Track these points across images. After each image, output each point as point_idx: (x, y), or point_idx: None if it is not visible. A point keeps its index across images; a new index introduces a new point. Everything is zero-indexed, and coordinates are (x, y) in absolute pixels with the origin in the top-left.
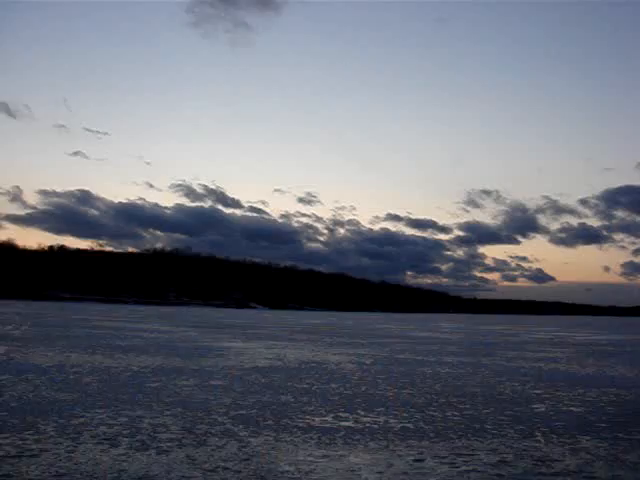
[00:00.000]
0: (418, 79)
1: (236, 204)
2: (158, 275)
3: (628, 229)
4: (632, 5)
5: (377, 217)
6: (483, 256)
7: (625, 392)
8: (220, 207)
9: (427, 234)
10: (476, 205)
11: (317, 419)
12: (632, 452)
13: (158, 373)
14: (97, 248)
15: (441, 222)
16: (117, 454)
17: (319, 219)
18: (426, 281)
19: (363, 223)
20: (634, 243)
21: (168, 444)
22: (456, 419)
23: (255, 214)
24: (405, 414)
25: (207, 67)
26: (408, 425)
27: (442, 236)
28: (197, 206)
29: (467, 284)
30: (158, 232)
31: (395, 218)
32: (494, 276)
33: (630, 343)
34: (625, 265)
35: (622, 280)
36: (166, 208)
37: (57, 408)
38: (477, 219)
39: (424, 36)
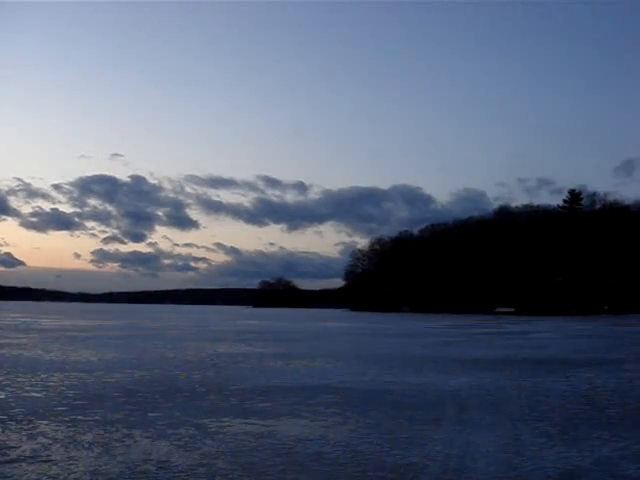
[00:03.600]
0: None
1: None
2: None
3: (99, 217)
4: None
5: None
6: None
7: (87, 375)
8: None
9: None
10: None
11: None
12: (89, 432)
13: None
14: None
15: None
16: None
17: None
18: None
19: None
20: (105, 231)
21: None
22: None
23: None
24: None
25: None
26: None
27: None
28: None
29: None
30: None
31: None
32: None
33: (96, 328)
34: (95, 252)
35: (92, 267)
36: None
37: None
38: None
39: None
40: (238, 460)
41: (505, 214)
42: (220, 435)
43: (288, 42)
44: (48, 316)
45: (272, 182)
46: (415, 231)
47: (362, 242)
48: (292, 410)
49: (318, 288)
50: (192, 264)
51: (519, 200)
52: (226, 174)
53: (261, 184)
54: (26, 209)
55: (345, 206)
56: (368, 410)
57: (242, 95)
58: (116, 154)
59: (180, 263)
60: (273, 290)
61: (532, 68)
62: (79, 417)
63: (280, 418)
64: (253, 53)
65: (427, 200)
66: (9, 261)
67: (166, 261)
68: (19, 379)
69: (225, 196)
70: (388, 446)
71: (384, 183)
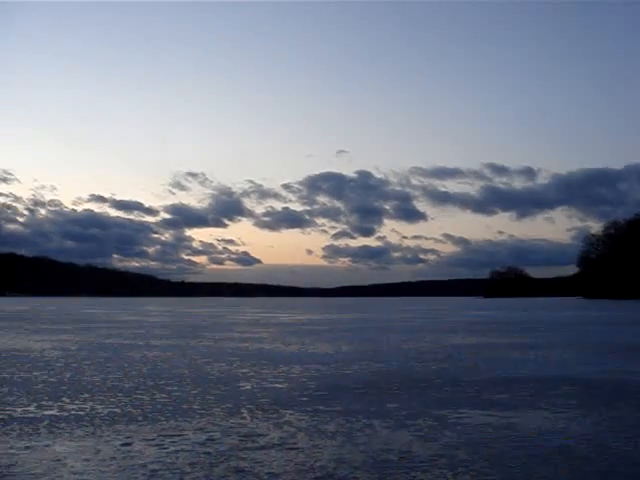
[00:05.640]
0: (123, 59)
1: None
2: None
3: (328, 214)
4: None
5: (80, 198)
6: (190, 239)
7: (325, 367)
8: None
9: (133, 216)
10: (182, 187)
11: (19, 409)
12: (331, 422)
13: None
14: None
15: (147, 204)
16: None
17: (17, 199)
18: (134, 264)
19: (66, 204)
20: (334, 227)
21: None
22: (164, 401)
23: None
24: (112, 399)
25: None
26: (115, 410)
27: (149, 218)
28: None
29: (175, 267)
30: None
31: (99, 199)
32: (202, 259)
33: (330, 322)
34: (326, 248)
35: (324, 262)
36: None
37: None
38: (183, 201)
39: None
40: (479, 451)
41: None
42: (459, 426)
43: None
44: (284, 311)
45: (498, 169)
46: None
47: (596, 226)
48: (531, 402)
49: (551, 276)
50: (421, 256)
51: None
52: (451, 164)
53: (487, 172)
54: (259, 209)
55: (576, 190)
56: (612, 402)
57: (460, 83)
58: (341, 151)
59: (409, 255)
60: (504, 279)
61: None
62: (320, 407)
63: (519, 410)
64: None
65: None
66: (246, 259)
67: (395, 254)
68: (263, 371)
69: (451, 186)
70: (637, 440)
71: (617, 163)
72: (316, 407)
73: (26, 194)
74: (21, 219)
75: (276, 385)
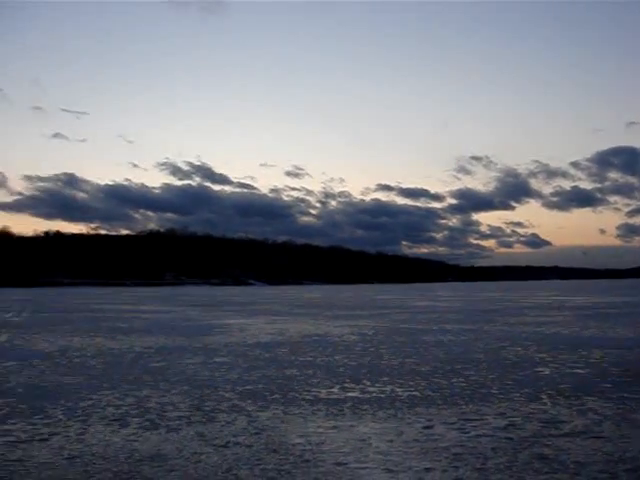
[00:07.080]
0: (401, 47)
1: (224, 180)
2: (155, 256)
3: (621, 190)
4: None
5: (367, 188)
6: (478, 223)
7: (627, 353)
8: (208, 184)
9: (420, 203)
10: (467, 172)
11: (324, 391)
12: (639, 411)
13: (162, 352)
14: (91, 232)
15: (433, 190)
16: (127, 434)
17: (309, 192)
18: (422, 250)
19: (354, 195)
20: (628, 204)
21: (177, 422)
22: (462, 385)
23: (245, 190)
24: (411, 382)
25: (183, 39)
26: (415, 393)
27: (435, 204)
28: (185, 184)
29: (463, 252)
30: (149, 213)
31: (386, 188)
32: (490, 243)
33: (629, 305)
34: (620, 227)
35: (618, 242)
36: (154, 188)
37: (64, 392)
38: (469, 186)
39: (405, 3)
40: None
41: None
42: None
43: None
44: (577, 293)
45: None
46: None
47: None
48: None
49: None
50: None
51: None
52: None
53: None
54: (547, 190)
55: None
56: None
57: None
58: (632, 123)
59: None
60: None
61: None
62: (625, 395)
63: None
64: None
65: None
66: (536, 242)
67: None
68: (560, 355)
69: None
70: None
71: None
72: (621, 394)
73: (317, 187)
74: (314, 211)
75: (576, 370)
